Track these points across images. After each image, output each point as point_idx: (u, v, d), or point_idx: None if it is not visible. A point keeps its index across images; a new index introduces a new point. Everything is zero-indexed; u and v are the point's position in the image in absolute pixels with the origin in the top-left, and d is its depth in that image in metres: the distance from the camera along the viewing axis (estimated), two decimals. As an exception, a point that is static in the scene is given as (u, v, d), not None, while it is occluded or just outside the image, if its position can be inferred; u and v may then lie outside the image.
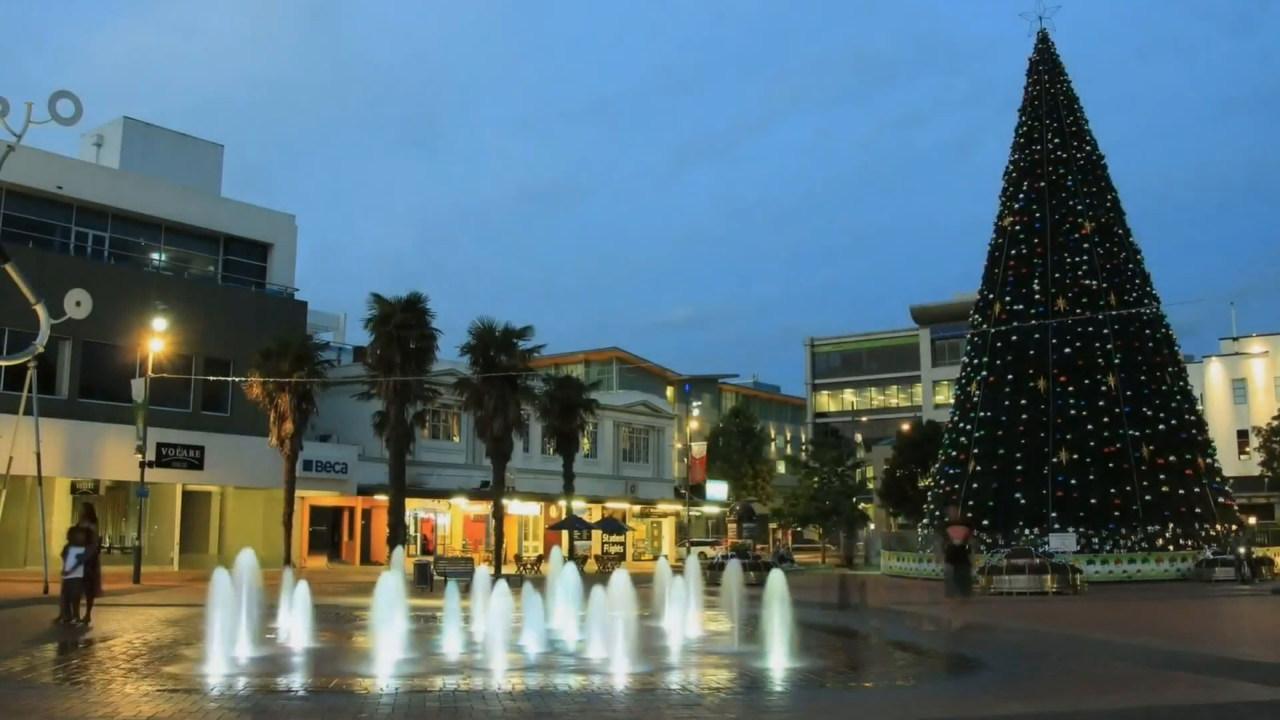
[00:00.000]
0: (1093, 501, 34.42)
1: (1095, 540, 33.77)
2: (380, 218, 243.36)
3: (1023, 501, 35.34)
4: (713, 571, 35.44)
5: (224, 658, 12.30)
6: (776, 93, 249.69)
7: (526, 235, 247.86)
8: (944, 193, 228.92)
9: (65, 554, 17.46)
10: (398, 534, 37.63)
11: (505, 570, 35.94)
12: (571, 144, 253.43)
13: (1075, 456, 35.14)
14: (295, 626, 15.31)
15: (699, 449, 63.52)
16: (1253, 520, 44.05)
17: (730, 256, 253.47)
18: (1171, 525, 34.11)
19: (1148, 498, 34.50)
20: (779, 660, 12.66)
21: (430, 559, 34.81)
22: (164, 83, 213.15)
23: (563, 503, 46.31)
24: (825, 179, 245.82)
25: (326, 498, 45.59)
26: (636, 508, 60.08)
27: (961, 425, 38.83)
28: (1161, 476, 34.93)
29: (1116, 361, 36.40)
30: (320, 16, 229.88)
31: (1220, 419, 57.42)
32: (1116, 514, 34.24)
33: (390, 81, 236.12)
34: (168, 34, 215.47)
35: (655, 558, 60.12)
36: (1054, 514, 34.54)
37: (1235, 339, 63.10)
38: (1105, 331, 36.81)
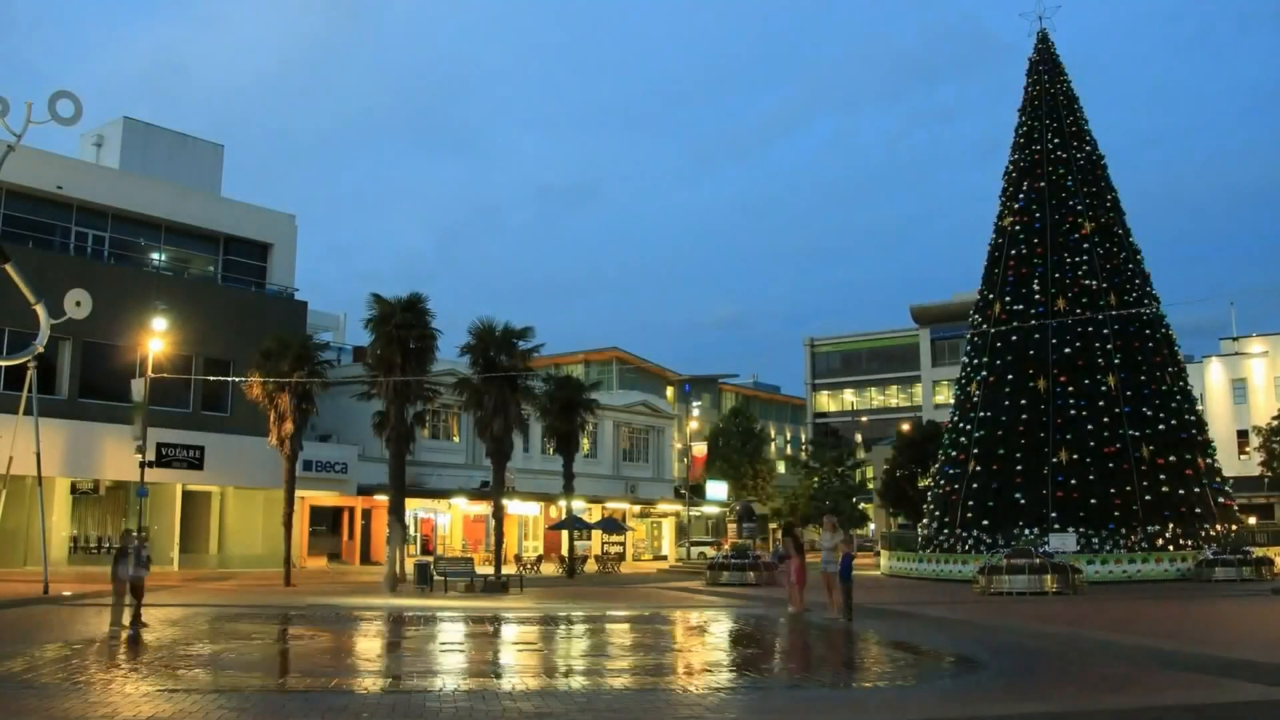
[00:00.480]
0: (1093, 501, 34.40)
1: (1095, 540, 33.75)
2: (400, 216, 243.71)
3: (1023, 501, 35.32)
4: (713, 572, 35.48)
5: (224, 658, 12.29)
6: (801, 95, 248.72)
7: (545, 234, 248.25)
8: (964, 191, 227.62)
9: (136, 555, 17.30)
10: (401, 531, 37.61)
11: (505, 570, 35.94)
12: (593, 144, 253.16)
13: (1075, 456, 35.11)
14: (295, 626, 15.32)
15: (699, 449, 63.54)
16: (1253, 520, 44.02)
17: (741, 257, 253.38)
18: (1171, 525, 34.08)
19: (1148, 498, 34.47)
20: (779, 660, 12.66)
21: (430, 559, 34.81)
22: (183, 80, 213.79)
23: (563, 503, 46.27)
24: (846, 178, 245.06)
25: (326, 498, 45.59)
26: (636, 508, 60.08)
27: (961, 425, 38.82)
28: (1161, 476, 34.89)
29: (1116, 361, 36.38)
30: (346, 15, 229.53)
31: (1220, 419, 57.41)
32: (1116, 514, 34.20)
33: (414, 80, 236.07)
34: (190, 29, 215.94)
35: (655, 558, 60.28)
36: (1054, 514, 34.53)
37: (1235, 339, 63.07)
38: (1105, 331, 36.79)
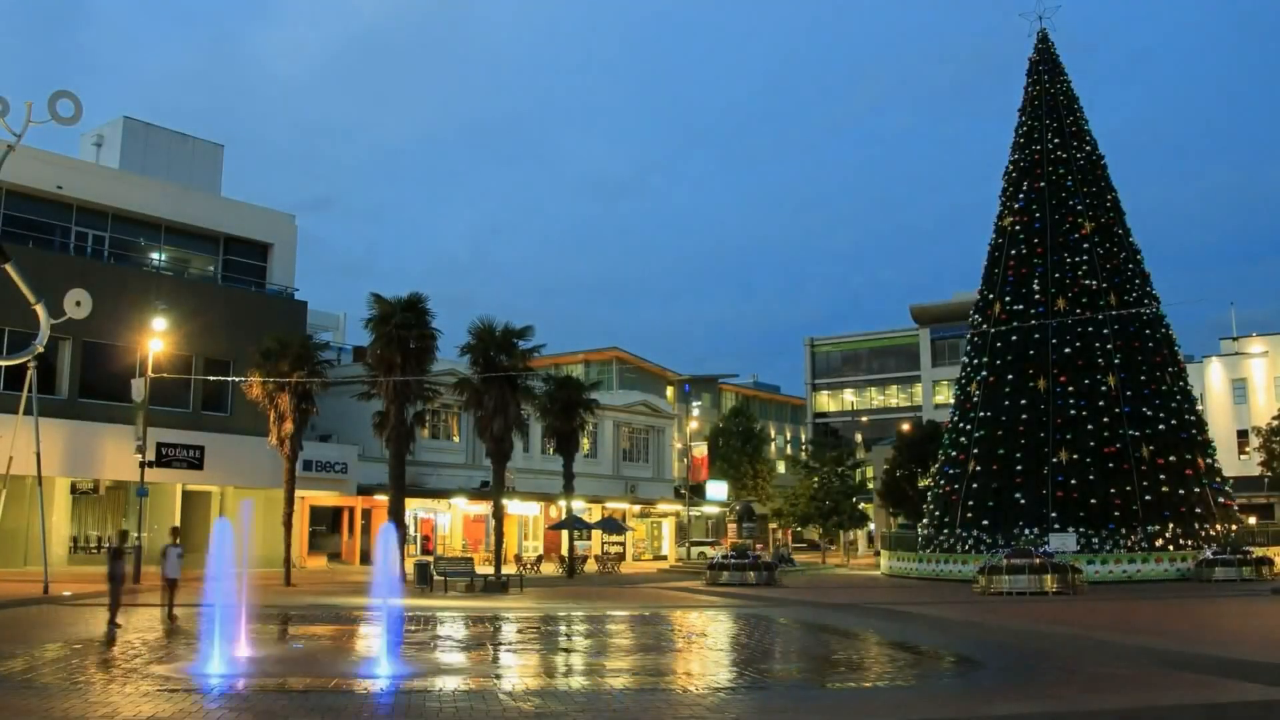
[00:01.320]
0: (1093, 501, 34.43)
1: (1095, 540, 33.77)
2: (446, 215, 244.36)
3: (1023, 501, 35.34)
4: (713, 572, 35.47)
5: (224, 657, 12.29)
6: (855, 98, 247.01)
7: (579, 236, 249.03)
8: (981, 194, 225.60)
9: (166, 554, 18.07)
10: (398, 534, 37.59)
11: (505, 570, 35.93)
12: (644, 147, 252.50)
13: (1075, 456, 35.14)
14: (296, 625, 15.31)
15: (699, 449, 63.52)
16: (1253, 520, 44.02)
17: (759, 258, 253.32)
18: (1171, 525, 34.11)
19: (1148, 498, 34.49)
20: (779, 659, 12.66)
21: (430, 559, 34.79)
22: (233, 83, 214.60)
23: (563, 503, 46.26)
24: (890, 179, 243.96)
25: (326, 498, 45.57)
26: (636, 508, 60.06)
27: (961, 425, 38.83)
28: (1161, 476, 34.92)
29: (1116, 361, 36.41)
30: (408, 24, 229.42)
31: (1220, 419, 57.40)
32: (1116, 514, 34.23)
33: (475, 90, 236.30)
34: (250, 32, 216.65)
35: (655, 558, 60.27)
36: (1054, 514, 34.54)
37: (1235, 339, 63.07)
38: (1105, 331, 36.81)
